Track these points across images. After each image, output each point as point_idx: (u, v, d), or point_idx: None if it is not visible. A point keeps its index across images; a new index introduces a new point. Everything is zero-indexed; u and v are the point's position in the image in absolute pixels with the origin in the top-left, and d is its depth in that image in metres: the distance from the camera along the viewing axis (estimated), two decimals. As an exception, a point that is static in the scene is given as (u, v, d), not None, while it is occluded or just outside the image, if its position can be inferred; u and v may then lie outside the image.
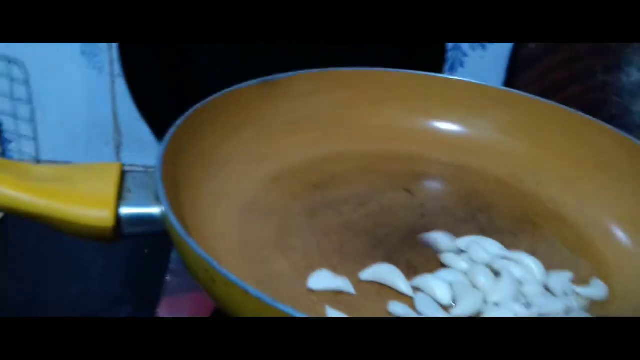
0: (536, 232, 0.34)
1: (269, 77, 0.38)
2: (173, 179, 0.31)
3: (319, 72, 0.39)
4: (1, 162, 0.27)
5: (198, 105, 0.34)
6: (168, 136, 0.31)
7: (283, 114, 0.39)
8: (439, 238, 0.32)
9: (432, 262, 0.31)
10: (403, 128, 0.40)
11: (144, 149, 0.58)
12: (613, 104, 0.48)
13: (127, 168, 0.60)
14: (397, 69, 0.40)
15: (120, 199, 0.29)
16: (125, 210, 0.28)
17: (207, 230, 0.31)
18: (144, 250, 0.47)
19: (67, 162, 0.58)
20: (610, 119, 0.48)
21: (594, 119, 0.36)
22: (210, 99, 0.35)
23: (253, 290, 0.23)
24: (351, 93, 0.39)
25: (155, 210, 0.29)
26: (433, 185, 0.38)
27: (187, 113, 0.34)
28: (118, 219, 0.28)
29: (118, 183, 0.29)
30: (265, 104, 0.38)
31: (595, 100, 0.48)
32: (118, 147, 0.59)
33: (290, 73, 0.39)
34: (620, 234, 0.33)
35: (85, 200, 0.27)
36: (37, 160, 0.58)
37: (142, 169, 0.59)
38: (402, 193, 0.37)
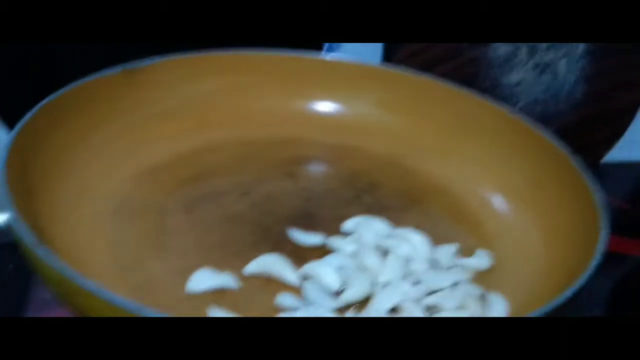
0: (421, 207, 0.34)
1: (132, 64, 0.35)
2: (23, 181, 0.27)
3: (188, 57, 0.37)
4: None
5: (51, 97, 0.31)
6: (14, 133, 0.28)
7: (151, 104, 0.36)
8: (303, 237, 0.30)
9: (320, 248, 0.30)
10: (282, 111, 0.38)
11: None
12: (484, 77, 0.50)
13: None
14: (272, 50, 0.38)
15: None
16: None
17: (72, 239, 0.28)
18: (8, 265, 0.43)
19: None
20: (482, 92, 0.49)
21: (466, 91, 0.37)
22: (65, 89, 0.32)
23: (118, 299, 0.20)
24: (224, 78, 0.37)
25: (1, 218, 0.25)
26: (316, 168, 0.37)
27: (38, 106, 0.30)
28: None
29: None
30: (130, 93, 0.35)
31: (468, 74, 0.50)
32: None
33: (155, 58, 0.36)
34: (498, 202, 0.34)
35: None
36: None
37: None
38: (285, 179, 0.35)
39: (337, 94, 0.39)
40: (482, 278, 0.29)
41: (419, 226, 0.32)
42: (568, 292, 0.23)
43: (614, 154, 0.53)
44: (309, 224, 0.32)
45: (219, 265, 0.28)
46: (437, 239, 0.31)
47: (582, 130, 0.51)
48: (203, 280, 0.27)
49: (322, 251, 0.30)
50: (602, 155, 0.53)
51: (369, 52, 0.55)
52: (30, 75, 0.46)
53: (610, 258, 0.39)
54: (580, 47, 0.49)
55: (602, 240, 0.26)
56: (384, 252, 0.29)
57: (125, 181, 0.33)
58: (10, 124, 0.48)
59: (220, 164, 0.35)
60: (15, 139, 0.27)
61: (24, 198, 0.26)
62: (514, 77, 0.49)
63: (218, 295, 0.27)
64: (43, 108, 0.30)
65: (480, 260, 0.30)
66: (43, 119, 0.30)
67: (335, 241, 0.30)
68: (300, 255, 0.29)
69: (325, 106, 0.39)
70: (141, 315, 0.20)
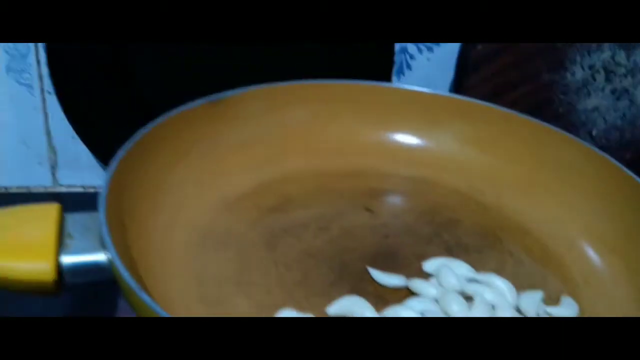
0: (502, 247, 0.33)
1: (215, 96, 0.36)
2: (119, 217, 0.28)
3: (268, 88, 0.37)
4: None
5: (140, 134, 0.32)
6: (109, 173, 0.29)
7: (232, 134, 0.36)
8: (384, 278, 0.30)
9: (401, 289, 0.30)
10: (360, 142, 0.38)
11: (82, 167, 0.55)
12: (559, 102, 0.49)
13: (65, 190, 0.56)
14: (350, 80, 0.38)
15: (60, 247, 0.26)
16: (67, 260, 0.26)
17: (160, 271, 0.29)
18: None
19: (-2, 187, 0.54)
20: (556, 117, 0.48)
21: (554, 128, 0.36)
22: (153, 124, 0.33)
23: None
24: (305, 108, 0.38)
25: (100, 257, 0.26)
26: (394, 202, 0.37)
27: (128, 144, 0.31)
28: (59, 270, 0.25)
29: (57, 228, 0.26)
30: (212, 124, 0.36)
31: (542, 99, 0.49)
32: (53, 168, 0.55)
33: (236, 90, 0.36)
34: (585, 247, 0.33)
35: (22, 252, 0.24)
36: (-36, 186, 0.54)
37: (80, 189, 0.55)
38: (363, 213, 0.35)
39: (417, 126, 0.38)
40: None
41: (500, 268, 0.31)
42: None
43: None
44: (388, 263, 0.32)
45: (302, 303, 0.29)
46: (519, 282, 0.30)
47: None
48: (287, 320, 0.28)
49: (403, 293, 0.30)
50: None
51: (440, 77, 0.54)
52: (115, 106, 0.48)
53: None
54: (661, 73, 0.47)
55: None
56: (467, 297, 0.29)
57: (209, 211, 0.33)
58: (88, 143, 0.50)
59: (299, 195, 0.36)
60: (111, 178, 0.28)
61: (120, 237, 0.27)
62: (590, 102, 0.48)
63: (302, 335, 0.27)
64: (135, 144, 0.31)
65: (567, 309, 0.29)
66: (134, 155, 0.31)
67: (417, 284, 0.30)
68: (382, 296, 0.29)
69: (404, 138, 0.39)
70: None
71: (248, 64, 0.43)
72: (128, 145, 0.31)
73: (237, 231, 0.33)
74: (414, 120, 0.38)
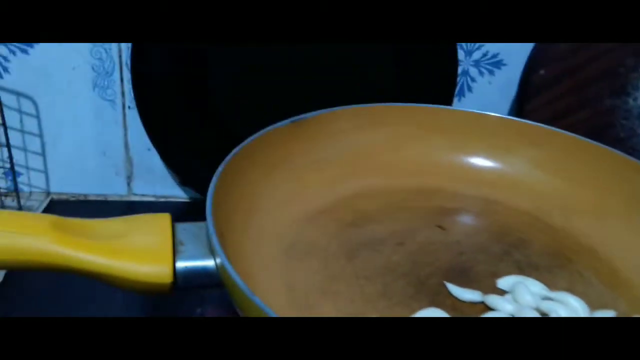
0: (572, 268, 0.35)
1: (298, 117, 0.38)
2: (219, 228, 0.31)
3: (348, 109, 0.40)
4: (54, 221, 0.27)
5: (233, 153, 0.34)
6: (212, 186, 0.31)
7: (313, 153, 0.39)
8: (461, 292, 0.32)
9: (478, 304, 0.32)
10: (432, 163, 0.40)
11: (155, 179, 0.58)
12: (621, 127, 0.50)
13: (138, 199, 0.60)
14: (426, 104, 0.40)
15: (175, 253, 0.28)
16: (181, 264, 0.28)
17: (254, 280, 0.31)
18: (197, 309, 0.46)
19: (77, 194, 0.58)
20: (617, 142, 0.49)
21: (622, 154, 0.37)
22: (243, 144, 0.35)
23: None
24: (382, 129, 0.40)
25: (209, 262, 0.29)
26: (465, 221, 0.39)
27: (225, 161, 0.33)
28: (175, 273, 0.28)
29: (172, 236, 0.29)
30: (295, 143, 0.38)
31: (602, 124, 0.50)
32: (129, 178, 0.59)
33: (318, 111, 0.39)
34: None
35: (143, 256, 0.27)
36: (47, 193, 0.58)
37: (152, 198, 0.58)
38: (435, 230, 0.37)
39: (488, 149, 0.40)
40: None
41: (571, 287, 0.33)
42: None
43: None
44: (463, 278, 0.33)
45: (385, 314, 0.31)
46: (591, 303, 0.32)
47: None
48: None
49: (479, 308, 0.31)
50: None
51: (499, 100, 0.56)
52: (189, 121, 0.51)
53: None
54: None
55: None
56: (542, 314, 0.30)
57: (293, 225, 0.36)
58: (163, 155, 0.53)
59: (373, 211, 0.38)
60: (214, 192, 0.31)
61: (223, 244, 0.29)
62: (651, 127, 0.49)
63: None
64: (228, 163, 0.33)
65: None
66: (228, 173, 0.33)
67: (493, 299, 0.32)
68: (459, 310, 0.31)
69: (474, 160, 0.41)
70: None
71: (314, 84, 0.46)
72: (224, 164, 0.33)
73: (319, 243, 0.35)
74: (485, 143, 0.40)
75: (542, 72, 0.52)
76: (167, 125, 0.53)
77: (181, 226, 0.30)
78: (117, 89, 0.54)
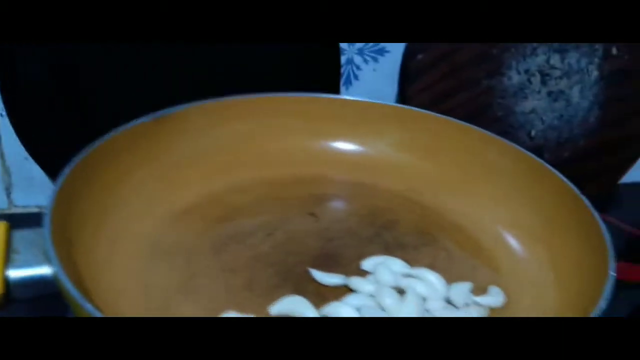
0: (437, 244, 0.36)
1: (160, 112, 0.37)
2: (64, 232, 0.29)
3: (212, 103, 0.39)
4: None
5: (85, 152, 0.33)
6: (55, 189, 0.30)
7: (178, 149, 0.38)
8: (324, 278, 0.32)
9: (341, 288, 0.32)
10: (303, 151, 0.40)
11: (36, 188, 0.55)
12: (498, 106, 0.51)
13: (20, 210, 0.57)
14: (292, 93, 0.40)
15: (7, 262, 0.27)
16: (13, 274, 0.27)
17: (107, 284, 0.30)
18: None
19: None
20: (496, 121, 0.51)
21: (482, 130, 0.38)
22: (97, 143, 0.34)
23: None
24: (248, 122, 0.39)
25: (45, 270, 0.27)
26: (337, 206, 0.39)
27: (74, 162, 0.32)
28: (6, 284, 0.26)
29: (4, 244, 0.27)
30: (158, 140, 0.37)
31: (481, 105, 0.51)
32: (8, 189, 0.56)
33: (181, 106, 0.38)
34: (511, 240, 0.35)
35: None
36: None
37: (36, 209, 0.56)
38: (308, 218, 0.37)
39: (356, 134, 0.40)
40: (495, 315, 0.31)
41: (434, 263, 0.33)
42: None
43: (633, 175, 0.54)
44: (330, 264, 0.33)
45: (245, 306, 0.30)
46: (452, 276, 0.33)
47: (597, 155, 0.52)
48: (231, 322, 0.29)
49: (342, 291, 0.31)
50: (617, 179, 0.54)
51: (387, 87, 0.56)
52: (66, 126, 0.49)
53: (624, 287, 0.40)
54: (594, 75, 0.50)
55: (610, 279, 0.27)
56: (401, 292, 0.31)
57: (158, 224, 0.35)
58: (41, 164, 0.51)
59: (245, 205, 0.37)
60: (57, 195, 0.29)
61: (65, 251, 0.28)
62: (527, 105, 0.51)
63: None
64: (81, 160, 0.32)
65: (494, 298, 0.31)
66: (79, 173, 0.32)
67: (355, 281, 0.32)
68: (322, 295, 0.31)
69: (345, 145, 0.41)
70: None
71: (191, 77, 0.45)
72: (74, 163, 0.32)
73: (185, 242, 0.34)
74: (353, 128, 0.40)
75: (419, 56, 0.53)
76: (42, 132, 0.50)
77: (20, 234, 0.28)
78: (-15, 96, 0.51)
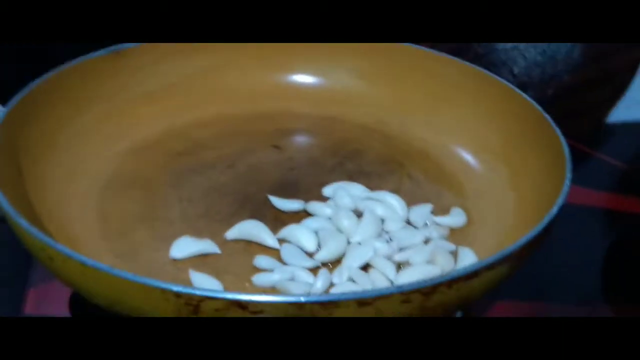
0: (402, 171, 0.35)
1: (118, 46, 0.36)
2: (12, 159, 0.29)
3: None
4: None
5: (40, 79, 0.32)
6: (3, 113, 0.29)
7: (138, 85, 0.37)
8: (283, 203, 0.31)
9: (300, 213, 0.31)
10: (265, 86, 0.39)
11: None
12: (479, 44, 0.50)
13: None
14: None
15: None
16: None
17: (62, 213, 0.30)
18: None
19: None
20: (477, 58, 0.49)
21: (444, 55, 0.37)
22: (54, 71, 0.33)
23: (90, 261, 0.22)
24: (207, 57, 0.38)
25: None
26: (301, 139, 0.38)
27: (27, 87, 0.31)
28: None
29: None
30: (118, 75, 0.36)
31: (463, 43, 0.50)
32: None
33: (138, 43, 0.37)
34: (474, 164, 0.35)
35: None
36: None
37: None
38: (271, 150, 0.36)
39: (317, 67, 0.39)
40: (457, 235, 0.30)
41: (398, 189, 0.33)
42: (528, 236, 0.24)
43: (621, 114, 0.53)
44: (291, 192, 0.33)
45: (202, 232, 0.30)
46: (415, 201, 0.32)
47: (583, 91, 0.51)
48: (185, 246, 0.29)
49: (301, 216, 0.31)
50: (604, 115, 0.53)
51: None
52: (19, 55, 0.48)
53: (607, 216, 0.39)
54: (576, 8, 0.48)
55: (564, 189, 0.26)
56: (360, 215, 0.30)
57: (116, 158, 0.34)
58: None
59: (207, 139, 0.37)
60: (5, 119, 0.29)
61: (10, 176, 0.27)
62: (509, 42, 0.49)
63: (200, 260, 0.28)
64: (32, 90, 0.31)
65: (455, 218, 0.31)
66: (33, 101, 0.31)
67: (313, 206, 0.31)
68: (281, 221, 0.31)
69: (306, 79, 0.40)
70: (124, 279, 0.21)
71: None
72: (26, 90, 0.31)
73: (144, 174, 0.34)
74: (314, 61, 0.39)
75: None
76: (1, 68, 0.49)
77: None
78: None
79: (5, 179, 0.26)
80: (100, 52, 0.36)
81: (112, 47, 0.36)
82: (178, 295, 0.21)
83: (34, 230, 0.23)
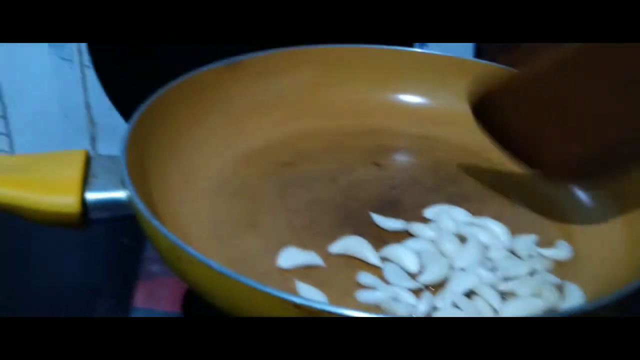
0: (504, 198, 0.35)
1: (234, 58, 0.38)
2: (140, 163, 0.31)
3: (284, 52, 0.39)
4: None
5: (163, 89, 0.34)
6: (133, 120, 0.32)
7: (250, 95, 0.39)
8: (385, 222, 0.32)
9: (401, 233, 0.32)
10: (371, 103, 0.40)
11: (120, 138, 0.58)
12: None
13: (102, 159, 0.60)
14: (363, 45, 0.40)
15: (85, 185, 0.29)
16: (91, 196, 0.28)
17: (178, 213, 0.32)
18: (122, 240, 0.48)
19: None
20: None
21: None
22: (175, 82, 0.35)
23: (217, 266, 0.23)
24: (318, 71, 0.40)
25: (121, 194, 0.29)
26: (402, 158, 0.39)
27: (152, 97, 0.34)
28: (84, 204, 0.28)
29: (83, 169, 0.29)
30: (232, 85, 0.38)
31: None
32: (93, 139, 0.59)
33: (255, 53, 0.39)
34: (583, 195, 0.34)
35: (51, 187, 0.27)
36: (11, 155, 0.58)
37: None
38: (372, 167, 0.37)
39: (424, 86, 0.40)
40: (561, 269, 0.30)
41: (499, 216, 0.33)
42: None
43: None
44: (392, 211, 0.33)
45: (306, 243, 0.31)
46: (518, 230, 0.32)
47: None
48: (292, 257, 0.30)
49: (402, 236, 0.31)
50: None
51: (460, 46, 0.55)
52: (142, 70, 0.51)
53: None
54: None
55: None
56: (463, 240, 0.30)
57: (227, 165, 0.36)
58: (125, 115, 0.53)
59: (311, 151, 0.38)
60: (134, 127, 0.31)
61: (140, 178, 0.29)
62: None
63: (305, 271, 0.30)
64: (156, 100, 0.34)
65: (560, 251, 0.30)
66: (156, 110, 0.33)
67: (416, 227, 0.32)
68: (382, 239, 0.31)
69: (412, 98, 0.40)
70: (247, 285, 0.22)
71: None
72: (151, 100, 0.33)
73: (251, 182, 0.35)
74: (421, 80, 0.40)
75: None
76: (126, 84, 0.52)
77: (98, 160, 0.30)
78: (73, 47, 0.54)
79: (136, 182, 0.28)
80: (218, 64, 0.38)
81: (229, 59, 0.38)
82: (298, 306, 0.22)
83: (165, 231, 0.25)
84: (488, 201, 0.34)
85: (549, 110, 0.30)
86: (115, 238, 0.48)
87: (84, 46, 0.54)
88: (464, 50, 0.55)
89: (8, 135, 0.57)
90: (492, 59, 0.50)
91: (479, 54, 0.54)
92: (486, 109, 0.32)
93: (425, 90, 0.40)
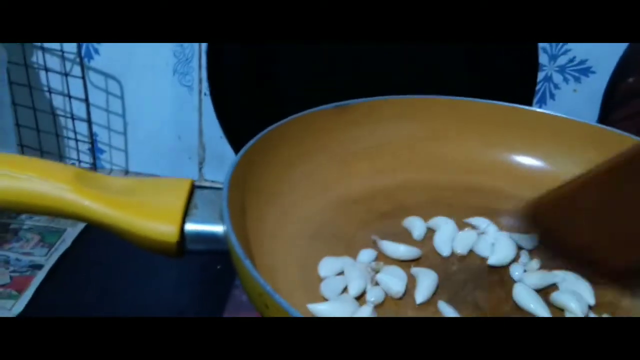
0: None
1: (343, 102, 0.38)
2: (240, 199, 0.31)
3: (397, 99, 0.39)
4: (78, 173, 0.28)
5: (270, 128, 0.35)
6: (238, 157, 0.32)
7: (356, 140, 0.38)
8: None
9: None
10: (483, 161, 0.38)
11: (226, 167, 0.60)
12: None
13: (208, 184, 0.62)
14: (477, 99, 0.38)
15: (186, 215, 0.29)
16: (190, 227, 0.29)
17: (270, 254, 0.31)
18: (217, 266, 0.48)
19: (153, 175, 0.61)
20: None
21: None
22: (282, 122, 0.35)
23: (296, 312, 0.22)
24: (426, 121, 0.38)
25: (219, 228, 0.29)
26: (509, 223, 0.36)
27: (259, 135, 0.34)
28: (182, 234, 0.28)
29: (186, 198, 0.29)
30: (338, 129, 0.38)
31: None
32: (201, 163, 0.61)
33: (365, 99, 0.38)
34: None
35: (154, 214, 0.28)
36: (126, 171, 0.61)
37: (221, 185, 0.60)
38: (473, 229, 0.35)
39: (543, 150, 0.37)
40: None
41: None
42: None
43: None
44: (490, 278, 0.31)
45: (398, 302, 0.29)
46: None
47: None
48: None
49: (503, 307, 0.29)
50: None
51: (586, 110, 0.52)
52: (254, 104, 0.52)
53: None
54: None
55: None
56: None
57: (324, 209, 0.35)
58: (234, 144, 0.55)
59: (412, 204, 0.36)
60: (238, 163, 0.31)
61: (238, 215, 0.29)
62: None
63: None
64: (263, 137, 0.34)
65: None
66: (262, 147, 0.34)
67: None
68: (479, 309, 0.29)
69: (529, 160, 0.38)
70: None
71: (380, 74, 0.45)
72: (258, 136, 0.34)
73: (347, 231, 0.34)
74: (541, 143, 0.37)
75: (631, 79, 0.48)
76: (239, 115, 0.54)
77: (201, 191, 0.31)
78: (195, 75, 0.57)
79: (234, 219, 0.28)
80: (326, 107, 0.37)
81: (336, 103, 0.38)
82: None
83: (256, 275, 0.24)
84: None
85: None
86: (210, 263, 0.49)
87: (204, 74, 0.56)
88: (588, 113, 0.52)
89: (125, 151, 0.61)
90: (616, 122, 0.47)
91: (602, 118, 0.50)
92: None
93: (545, 154, 0.37)
